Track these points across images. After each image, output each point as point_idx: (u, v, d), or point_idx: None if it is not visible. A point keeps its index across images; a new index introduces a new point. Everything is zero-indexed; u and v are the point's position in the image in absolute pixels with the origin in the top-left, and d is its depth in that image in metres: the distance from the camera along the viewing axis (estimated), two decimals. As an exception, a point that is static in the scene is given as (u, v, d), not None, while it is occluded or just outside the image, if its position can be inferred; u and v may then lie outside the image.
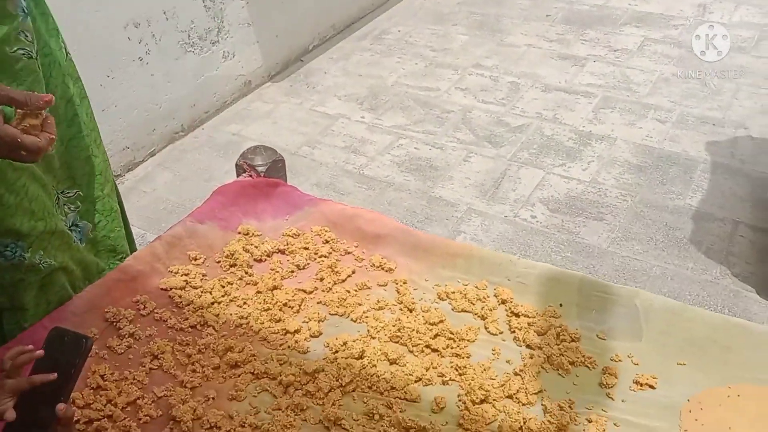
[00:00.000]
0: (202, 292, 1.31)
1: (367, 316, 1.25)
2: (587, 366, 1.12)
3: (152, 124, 2.60)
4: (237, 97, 2.96)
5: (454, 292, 1.28)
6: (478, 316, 1.24)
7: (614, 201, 2.19)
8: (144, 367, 1.16)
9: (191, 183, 2.51)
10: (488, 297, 1.28)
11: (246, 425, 1.05)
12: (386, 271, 1.36)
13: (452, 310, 1.26)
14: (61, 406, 0.85)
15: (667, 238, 2.04)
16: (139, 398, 1.10)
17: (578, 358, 1.13)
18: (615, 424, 1.02)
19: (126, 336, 1.21)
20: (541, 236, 2.08)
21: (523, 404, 1.07)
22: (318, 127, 2.72)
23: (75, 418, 1.00)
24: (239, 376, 1.15)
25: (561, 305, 1.24)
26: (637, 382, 1.09)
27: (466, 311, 1.26)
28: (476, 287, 1.30)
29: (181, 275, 1.34)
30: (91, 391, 1.10)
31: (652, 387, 1.08)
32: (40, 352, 0.87)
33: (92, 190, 1.30)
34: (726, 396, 1.03)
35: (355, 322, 1.25)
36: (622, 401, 1.06)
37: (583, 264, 1.95)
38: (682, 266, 1.93)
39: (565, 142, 2.51)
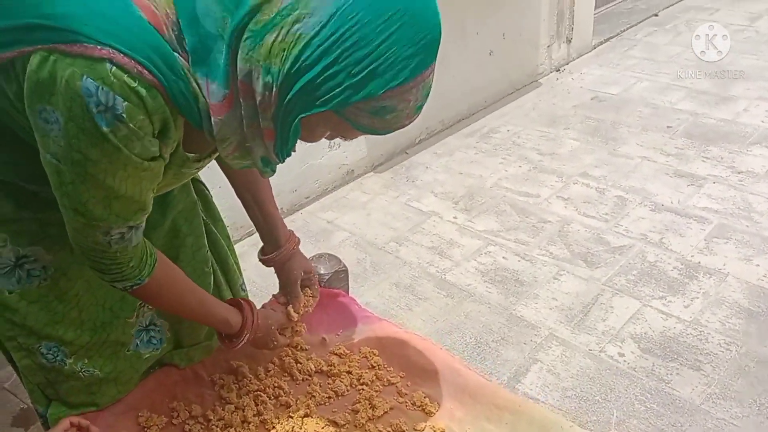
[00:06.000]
0: (236, 408, 1.29)
1: (392, 465, 1.17)
2: None
3: (252, 205, 2.69)
4: (338, 185, 3.02)
5: (494, 454, 1.18)
6: (515, 488, 1.12)
7: (716, 349, 1.95)
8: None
9: (277, 268, 2.53)
10: (530, 467, 1.15)
11: None
12: (426, 413, 1.28)
13: (488, 475, 1.15)
14: None
15: (775, 403, 1.77)
16: None
17: None
18: None
19: (152, 447, 1.21)
20: (627, 379, 1.88)
21: None
22: (409, 223, 2.70)
23: None
24: None
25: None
26: None
27: (503, 479, 1.14)
28: (520, 452, 1.18)
29: (219, 387, 1.33)
30: None
31: None
32: None
33: None
34: None
35: (378, 469, 1.17)
36: None
37: (669, 420, 1.74)
38: (790, 442, 1.65)
39: (668, 272, 2.30)
